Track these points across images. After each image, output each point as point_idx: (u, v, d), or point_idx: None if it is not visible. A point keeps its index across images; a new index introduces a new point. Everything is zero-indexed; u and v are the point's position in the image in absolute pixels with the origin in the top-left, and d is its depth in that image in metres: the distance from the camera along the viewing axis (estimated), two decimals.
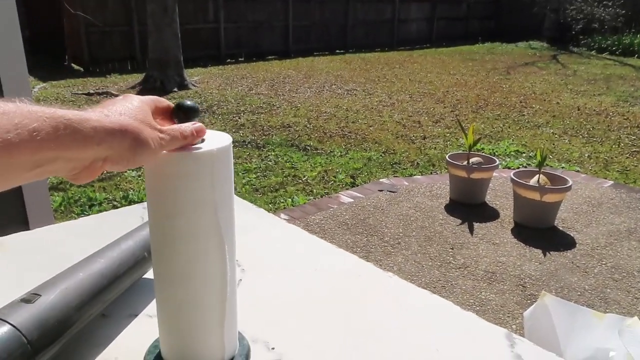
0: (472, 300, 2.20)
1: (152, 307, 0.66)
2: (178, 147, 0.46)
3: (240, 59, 10.16)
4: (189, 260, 0.50)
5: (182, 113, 0.48)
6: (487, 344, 0.61)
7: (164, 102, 0.49)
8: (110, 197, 3.28)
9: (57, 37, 9.15)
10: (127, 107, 0.43)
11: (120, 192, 3.37)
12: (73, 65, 8.92)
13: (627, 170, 4.02)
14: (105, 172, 0.59)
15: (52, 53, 9.38)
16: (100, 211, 2.85)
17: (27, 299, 0.53)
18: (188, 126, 0.47)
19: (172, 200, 0.48)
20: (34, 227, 1.00)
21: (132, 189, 3.46)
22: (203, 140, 0.49)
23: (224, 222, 0.51)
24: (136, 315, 0.65)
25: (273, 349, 0.60)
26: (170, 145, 0.45)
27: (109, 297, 0.61)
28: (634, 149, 4.55)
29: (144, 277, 0.71)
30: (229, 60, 9.98)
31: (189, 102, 0.49)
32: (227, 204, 0.51)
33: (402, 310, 0.68)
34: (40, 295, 0.53)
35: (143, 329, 0.62)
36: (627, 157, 4.33)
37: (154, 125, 0.44)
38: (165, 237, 0.50)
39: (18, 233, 0.88)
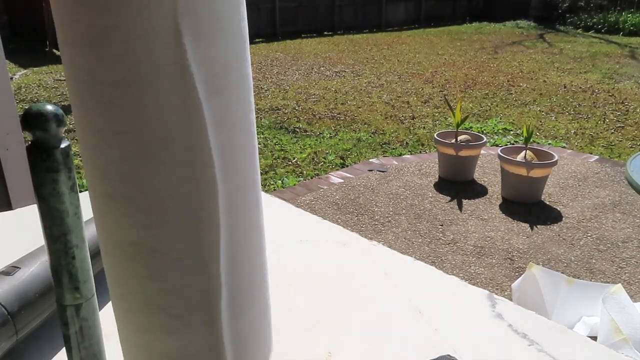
0: (461, 275, 2.23)
1: None
2: None
3: None
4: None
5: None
6: (469, 305, 0.63)
7: None
8: None
9: (38, 22, 8.93)
10: None
11: None
12: (55, 51, 8.74)
13: (612, 145, 4.07)
14: None
15: (33, 39, 9.17)
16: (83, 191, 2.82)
17: (6, 272, 0.52)
18: None
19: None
20: (17, 207, 0.98)
21: None
22: None
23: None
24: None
25: None
26: None
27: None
28: (619, 125, 4.60)
29: None
30: None
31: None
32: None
33: (386, 276, 0.69)
34: (20, 268, 0.53)
35: None
36: (612, 133, 4.38)
37: None
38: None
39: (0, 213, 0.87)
